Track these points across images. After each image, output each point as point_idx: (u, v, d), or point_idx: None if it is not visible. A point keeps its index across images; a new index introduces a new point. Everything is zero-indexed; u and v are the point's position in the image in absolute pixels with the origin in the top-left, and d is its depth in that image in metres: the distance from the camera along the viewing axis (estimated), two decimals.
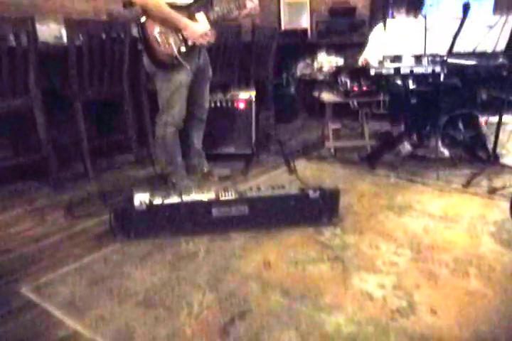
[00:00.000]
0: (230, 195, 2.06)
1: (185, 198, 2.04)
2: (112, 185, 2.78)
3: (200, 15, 2.33)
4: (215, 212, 2.04)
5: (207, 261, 1.86)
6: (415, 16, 3.09)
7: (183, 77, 2.40)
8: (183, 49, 2.32)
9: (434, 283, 1.68)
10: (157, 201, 2.02)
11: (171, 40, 2.30)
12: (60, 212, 2.37)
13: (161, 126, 2.50)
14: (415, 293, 1.61)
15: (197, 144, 2.80)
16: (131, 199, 2.02)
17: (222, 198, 2.05)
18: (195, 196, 2.06)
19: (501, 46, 2.67)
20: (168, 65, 2.34)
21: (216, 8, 2.38)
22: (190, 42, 2.33)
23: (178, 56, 2.31)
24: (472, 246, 1.95)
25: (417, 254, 1.88)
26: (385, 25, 2.99)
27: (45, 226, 2.21)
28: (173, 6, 2.28)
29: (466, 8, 2.51)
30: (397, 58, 2.91)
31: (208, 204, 2.03)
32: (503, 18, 2.63)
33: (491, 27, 2.59)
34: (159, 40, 2.29)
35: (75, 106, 2.68)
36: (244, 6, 2.37)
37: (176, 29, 2.30)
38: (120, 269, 1.81)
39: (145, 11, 2.29)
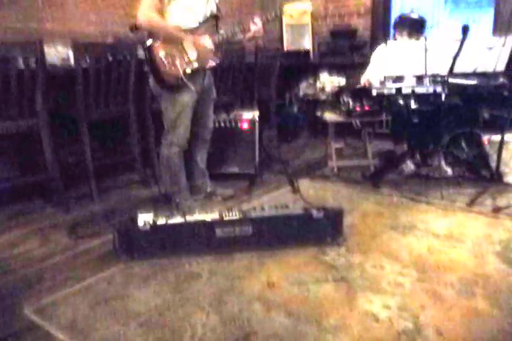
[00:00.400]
0: (233, 215, 2.06)
1: (189, 218, 2.04)
2: (117, 204, 2.80)
3: (206, 38, 2.39)
4: (218, 232, 2.04)
5: (210, 282, 1.85)
6: (417, 39, 3.14)
7: (188, 98, 2.44)
8: (188, 70, 2.37)
9: (440, 303, 1.66)
10: (161, 221, 2.02)
11: (177, 62, 2.35)
12: (64, 232, 2.37)
13: (166, 146, 2.53)
14: (421, 314, 1.59)
15: (201, 164, 2.82)
16: (134, 220, 2.02)
17: (226, 218, 2.05)
18: (198, 216, 2.06)
19: (501, 66, 2.70)
20: (174, 86, 2.38)
21: (221, 31, 2.46)
22: (196, 64, 2.38)
23: (184, 77, 2.35)
24: (478, 265, 1.93)
25: (422, 274, 1.87)
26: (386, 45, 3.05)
27: (49, 247, 2.21)
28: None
29: (465, 29, 2.56)
30: (398, 78, 2.95)
31: (212, 225, 2.03)
32: (502, 39, 2.67)
33: (490, 48, 2.63)
34: (165, 61, 2.34)
35: (81, 126, 2.71)
36: (249, 30, 2.44)
37: (182, 51, 2.35)
38: (123, 290, 1.80)
39: (152, 34, 2.35)
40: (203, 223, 2.04)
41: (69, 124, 2.80)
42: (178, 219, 2.05)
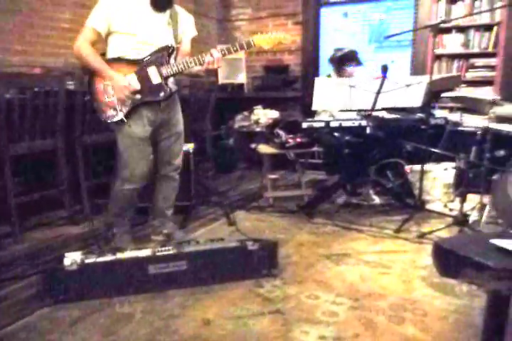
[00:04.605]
0: (167, 250, 2.01)
1: (120, 256, 1.96)
2: (42, 244, 2.62)
3: (152, 70, 2.30)
4: (151, 268, 1.97)
5: (143, 322, 1.77)
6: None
7: (138, 131, 2.32)
8: (128, 102, 2.28)
9: (373, 331, 1.70)
10: (89, 260, 1.92)
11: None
12: None
13: (119, 182, 2.40)
14: None
15: (161, 203, 2.61)
16: (61, 259, 1.91)
17: (159, 254, 2.00)
18: (130, 253, 1.99)
19: (418, 102, 2.94)
20: (112, 117, 2.30)
21: (171, 63, 2.33)
22: (138, 96, 2.30)
23: (119, 110, 2.27)
24: (406, 291, 2.02)
25: (355, 302, 1.91)
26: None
27: None
28: (123, 60, 2.28)
29: (384, 69, 2.77)
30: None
31: (144, 261, 1.97)
32: (418, 78, 2.92)
33: (408, 86, 2.85)
34: (104, 92, 2.28)
35: (3, 160, 2.56)
36: (204, 62, 2.30)
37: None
38: (47, 337, 1.67)
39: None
40: (135, 260, 1.97)
41: None
42: (108, 257, 1.96)
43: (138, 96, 2.30)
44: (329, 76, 3.58)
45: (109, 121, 2.33)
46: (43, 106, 2.67)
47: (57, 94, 2.76)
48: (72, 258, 1.90)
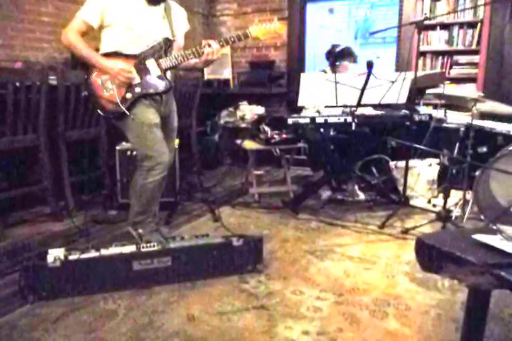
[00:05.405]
0: (151, 247, 2.00)
1: (104, 252, 1.95)
2: (24, 240, 2.58)
3: (151, 62, 2.28)
4: (136, 265, 1.96)
5: (127, 318, 1.76)
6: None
7: (147, 117, 2.29)
8: (128, 96, 2.25)
9: (356, 326, 1.72)
10: (73, 256, 1.90)
11: (116, 87, 2.25)
12: None
13: (144, 174, 2.32)
14: (338, 338, 1.63)
15: None
16: (43, 256, 1.88)
17: (144, 250, 1.98)
18: (114, 249, 1.97)
19: (403, 99, 2.96)
20: (114, 112, 2.27)
21: (169, 56, 2.31)
22: (138, 89, 2.28)
23: (121, 103, 2.24)
24: (389, 286, 2.04)
25: (339, 297, 1.93)
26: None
27: None
28: (120, 54, 2.25)
29: (369, 65, 2.78)
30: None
31: (128, 257, 1.95)
32: (403, 74, 2.94)
33: (393, 82, 2.87)
34: (103, 86, 2.25)
35: None
36: (202, 53, 2.29)
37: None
38: (29, 335, 1.65)
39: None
40: (119, 256, 1.95)
41: None
42: (92, 253, 1.94)
43: (138, 89, 2.28)
44: (325, 72, 3.60)
45: (110, 116, 2.31)
46: (24, 100, 2.62)
47: (40, 88, 2.71)
48: (55, 255, 1.88)
